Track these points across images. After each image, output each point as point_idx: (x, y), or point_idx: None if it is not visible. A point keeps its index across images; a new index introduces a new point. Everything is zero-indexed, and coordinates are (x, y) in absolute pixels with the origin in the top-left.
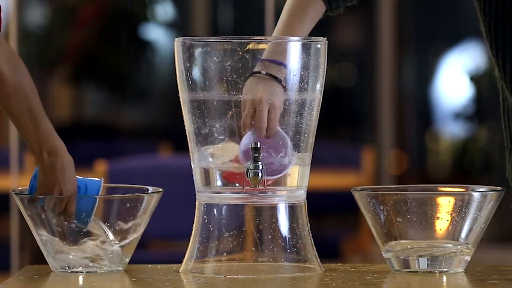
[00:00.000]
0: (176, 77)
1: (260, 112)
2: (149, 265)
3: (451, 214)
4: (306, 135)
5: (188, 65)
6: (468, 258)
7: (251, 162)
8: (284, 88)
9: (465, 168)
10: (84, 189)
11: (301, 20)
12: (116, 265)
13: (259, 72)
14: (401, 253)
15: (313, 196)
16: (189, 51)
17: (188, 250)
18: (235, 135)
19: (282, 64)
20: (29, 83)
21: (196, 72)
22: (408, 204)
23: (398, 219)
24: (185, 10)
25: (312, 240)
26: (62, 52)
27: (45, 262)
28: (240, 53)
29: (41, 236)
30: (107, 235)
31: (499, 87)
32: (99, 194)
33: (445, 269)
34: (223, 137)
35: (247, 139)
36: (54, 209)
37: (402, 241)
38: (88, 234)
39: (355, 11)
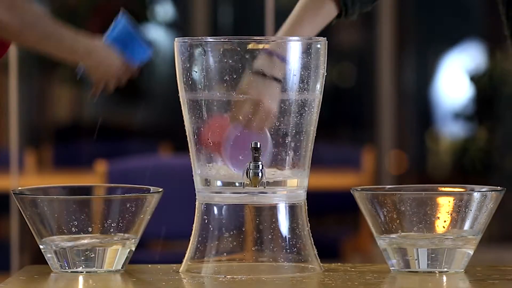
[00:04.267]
0: (176, 77)
1: (258, 115)
2: (149, 265)
3: (451, 214)
4: (306, 135)
5: (188, 65)
6: (468, 258)
7: (251, 162)
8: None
9: (465, 168)
10: (123, 38)
11: (312, 19)
12: (116, 265)
13: (264, 75)
14: (399, 244)
15: (313, 196)
16: (189, 51)
17: (188, 250)
18: None
19: (284, 60)
20: (32, 11)
21: (196, 72)
22: (408, 204)
23: (398, 219)
24: (185, 10)
25: (312, 240)
26: None
27: (45, 262)
28: (240, 53)
29: (41, 236)
30: None
31: None
32: (130, 25)
33: (445, 269)
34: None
35: (232, 134)
36: (121, 79)
37: (401, 240)
38: (88, 232)
39: None
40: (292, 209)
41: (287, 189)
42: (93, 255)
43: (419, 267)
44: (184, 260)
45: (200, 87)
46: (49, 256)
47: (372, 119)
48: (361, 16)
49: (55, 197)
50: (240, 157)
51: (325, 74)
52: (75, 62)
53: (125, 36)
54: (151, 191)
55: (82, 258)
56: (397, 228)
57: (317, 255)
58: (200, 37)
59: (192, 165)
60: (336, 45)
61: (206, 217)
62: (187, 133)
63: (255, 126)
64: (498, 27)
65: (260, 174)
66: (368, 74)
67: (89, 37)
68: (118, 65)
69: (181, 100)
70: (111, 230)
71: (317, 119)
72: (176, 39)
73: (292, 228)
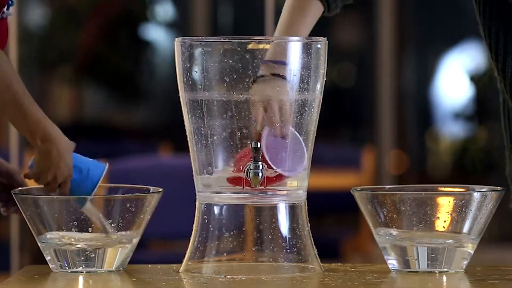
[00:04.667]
0: (176, 77)
1: (271, 110)
2: (149, 265)
3: (451, 214)
4: (306, 135)
5: (188, 65)
6: (468, 258)
7: (251, 162)
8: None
9: (465, 168)
10: (86, 172)
11: (302, 20)
12: (116, 265)
13: (263, 76)
14: (399, 244)
15: (313, 196)
16: (189, 51)
17: (188, 250)
18: (234, 135)
19: (285, 64)
20: (10, 71)
21: (196, 72)
22: (408, 204)
23: (398, 219)
24: (185, 10)
25: (312, 240)
26: (62, 52)
27: (45, 262)
28: (240, 53)
29: (41, 236)
30: (105, 227)
31: (499, 88)
32: (102, 178)
33: (445, 269)
34: (222, 137)
35: (266, 139)
36: (49, 186)
37: (401, 240)
38: (88, 232)
39: (355, 11)
40: (292, 209)
41: (287, 189)
42: (93, 255)
43: (419, 267)
44: (184, 260)
45: (200, 87)
46: (49, 256)
47: (372, 119)
48: (361, 16)
49: (55, 197)
50: (281, 160)
51: (325, 76)
52: (30, 141)
53: (89, 175)
54: (151, 191)
55: (82, 258)
56: (397, 228)
57: (317, 255)
58: (200, 37)
59: (193, 166)
60: (336, 45)
61: (206, 217)
62: (187, 133)
63: (277, 126)
64: None
65: (260, 174)
66: (368, 74)
67: (57, 130)
68: (63, 171)
69: (181, 100)
70: (111, 230)
71: (317, 119)
72: (176, 39)
73: (292, 228)
